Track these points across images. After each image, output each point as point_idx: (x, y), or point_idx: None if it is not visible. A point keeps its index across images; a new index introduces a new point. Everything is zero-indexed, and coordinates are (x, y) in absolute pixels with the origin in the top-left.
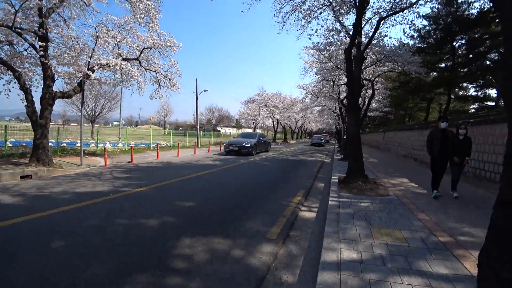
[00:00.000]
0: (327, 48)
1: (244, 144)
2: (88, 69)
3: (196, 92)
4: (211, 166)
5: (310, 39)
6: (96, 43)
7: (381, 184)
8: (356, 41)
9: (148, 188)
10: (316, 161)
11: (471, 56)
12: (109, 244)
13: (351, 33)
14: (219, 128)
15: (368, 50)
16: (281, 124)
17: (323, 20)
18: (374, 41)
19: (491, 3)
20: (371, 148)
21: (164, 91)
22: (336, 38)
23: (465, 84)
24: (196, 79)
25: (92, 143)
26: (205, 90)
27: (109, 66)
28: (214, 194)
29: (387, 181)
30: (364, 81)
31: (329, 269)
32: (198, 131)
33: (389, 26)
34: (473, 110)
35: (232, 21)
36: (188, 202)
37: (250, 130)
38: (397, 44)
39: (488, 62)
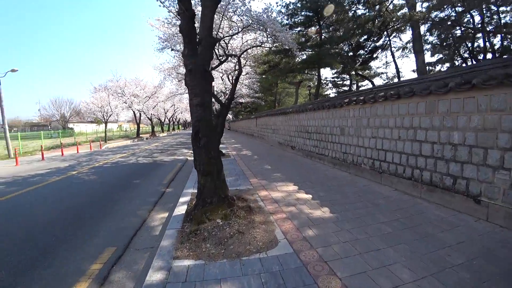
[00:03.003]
0: None
1: None
2: None
3: None
4: None
5: None
6: None
7: (258, 206)
8: None
9: None
10: (175, 162)
11: (337, 36)
12: None
13: None
14: (71, 125)
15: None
16: (146, 115)
17: None
18: None
19: None
20: (245, 136)
21: None
22: None
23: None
24: None
25: None
26: (13, 70)
27: None
28: None
29: (266, 194)
30: (230, 57)
31: None
32: (6, 132)
33: None
34: (333, 95)
35: None
36: None
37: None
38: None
39: (346, 49)
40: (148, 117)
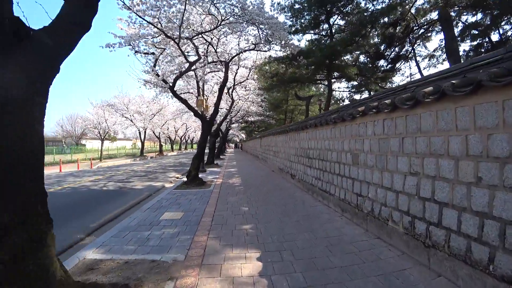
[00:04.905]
0: None
1: None
2: None
3: None
4: None
5: None
6: None
7: None
8: None
9: None
10: (145, 190)
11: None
12: None
13: None
14: (83, 142)
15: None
16: (154, 133)
17: None
18: None
19: None
20: (250, 158)
21: None
22: None
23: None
24: None
25: None
26: None
27: None
28: None
29: (191, 284)
30: (219, 63)
31: None
32: None
33: None
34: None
35: None
36: None
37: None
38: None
39: (362, 58)
40: (156, 135)
